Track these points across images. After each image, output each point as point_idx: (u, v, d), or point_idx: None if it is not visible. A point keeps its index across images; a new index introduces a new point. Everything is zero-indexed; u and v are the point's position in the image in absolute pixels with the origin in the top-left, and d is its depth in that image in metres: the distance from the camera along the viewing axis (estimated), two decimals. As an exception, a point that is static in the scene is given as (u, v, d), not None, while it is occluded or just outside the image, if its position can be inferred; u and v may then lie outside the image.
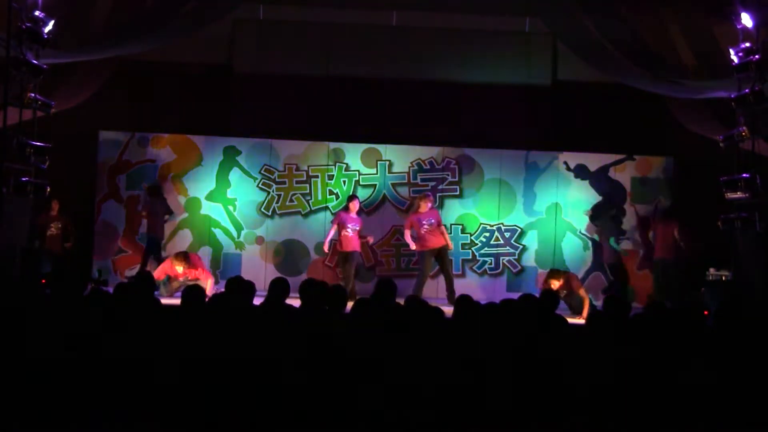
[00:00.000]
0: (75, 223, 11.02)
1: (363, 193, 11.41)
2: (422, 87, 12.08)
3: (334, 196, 11.42)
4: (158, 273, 9.63)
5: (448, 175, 11.46)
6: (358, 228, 10.36)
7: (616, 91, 11.07)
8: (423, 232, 10.19)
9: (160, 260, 10.58)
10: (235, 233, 11.39)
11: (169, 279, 9.75)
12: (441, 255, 10.28)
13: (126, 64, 11.05)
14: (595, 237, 11.31)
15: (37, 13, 8.41)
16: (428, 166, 11.50)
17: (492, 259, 11.42)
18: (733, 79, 8.65)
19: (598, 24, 9.62)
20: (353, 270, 10.36)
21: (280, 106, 11.98)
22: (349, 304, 5.37)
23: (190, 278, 9.60)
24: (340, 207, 11.05)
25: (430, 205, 10.37)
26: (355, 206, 10.45)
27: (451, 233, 10.99)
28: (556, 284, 9.35)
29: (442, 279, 10.55)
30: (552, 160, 11.48)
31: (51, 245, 10.56)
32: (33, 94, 8.59)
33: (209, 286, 9.44)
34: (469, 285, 10.97)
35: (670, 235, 10.54)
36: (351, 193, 11.09)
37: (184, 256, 9.78)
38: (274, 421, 4.18)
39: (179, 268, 9.65)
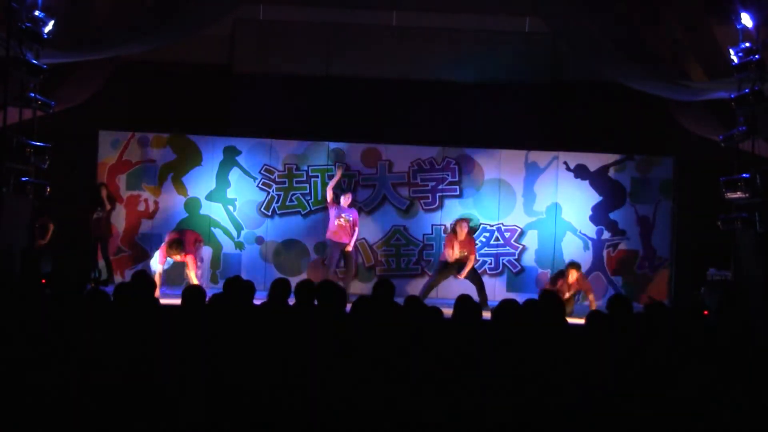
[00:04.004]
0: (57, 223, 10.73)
1: (363, 194, 11.41)
2: (422, 87, 12.09)
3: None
4: (160, 260, 9.56)
5: (448, 175, 11.46)
6: (351, 219, 10.23)
7: (616, 91, 11.06)
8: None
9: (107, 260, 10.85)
10: (235, 233, 11.39)
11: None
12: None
13: (126, 64, 11.06)
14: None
15: (37, 13, 8.42)
16: (428, 166, 11.50)
17: (492, 259, 11.41)
18: (733, 79, 8.66)
19: (598, 24, 9.63)
20: (340, 261, 10.32)
21: (280, 106, 12.01)
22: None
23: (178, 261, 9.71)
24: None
25: (466, 230, 10.15)
26: (347, 200, 10.33)
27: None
28: (574, 275, 9.36)
29: (442, 282, 10.50)
30: (552, 160, 11.48)
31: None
32: (33, 94, 8.59)
33: (193, 270, 9.57)
34: (469, 285, 10.94)
35: None
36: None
37: (178, 245, 9.54)
38: (274, 423, 4.17)
39: (175, 257, 9.59)
